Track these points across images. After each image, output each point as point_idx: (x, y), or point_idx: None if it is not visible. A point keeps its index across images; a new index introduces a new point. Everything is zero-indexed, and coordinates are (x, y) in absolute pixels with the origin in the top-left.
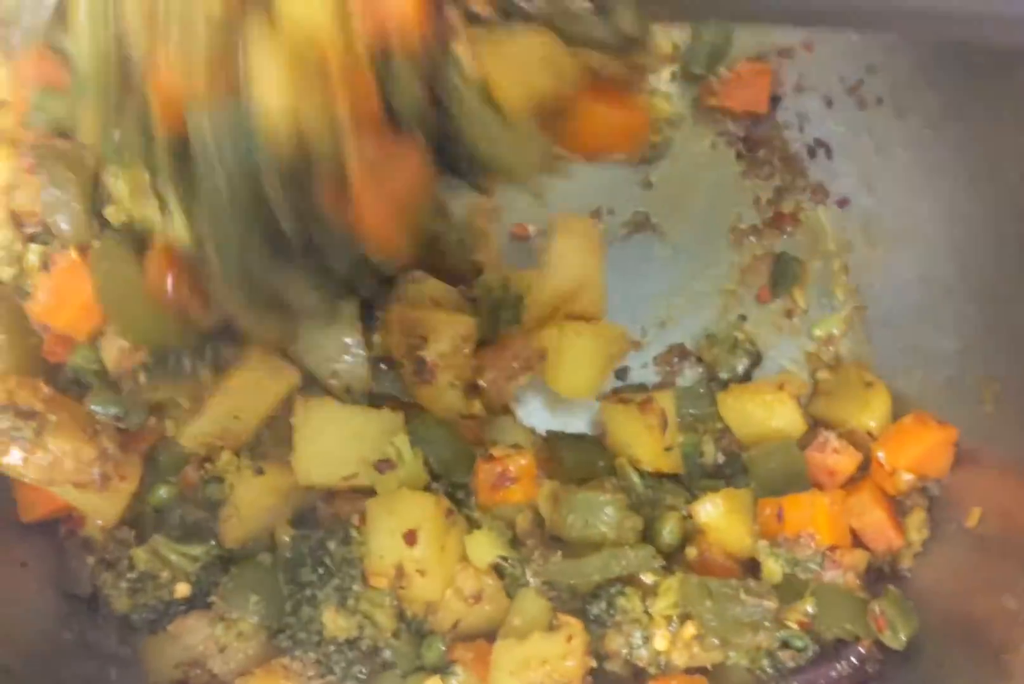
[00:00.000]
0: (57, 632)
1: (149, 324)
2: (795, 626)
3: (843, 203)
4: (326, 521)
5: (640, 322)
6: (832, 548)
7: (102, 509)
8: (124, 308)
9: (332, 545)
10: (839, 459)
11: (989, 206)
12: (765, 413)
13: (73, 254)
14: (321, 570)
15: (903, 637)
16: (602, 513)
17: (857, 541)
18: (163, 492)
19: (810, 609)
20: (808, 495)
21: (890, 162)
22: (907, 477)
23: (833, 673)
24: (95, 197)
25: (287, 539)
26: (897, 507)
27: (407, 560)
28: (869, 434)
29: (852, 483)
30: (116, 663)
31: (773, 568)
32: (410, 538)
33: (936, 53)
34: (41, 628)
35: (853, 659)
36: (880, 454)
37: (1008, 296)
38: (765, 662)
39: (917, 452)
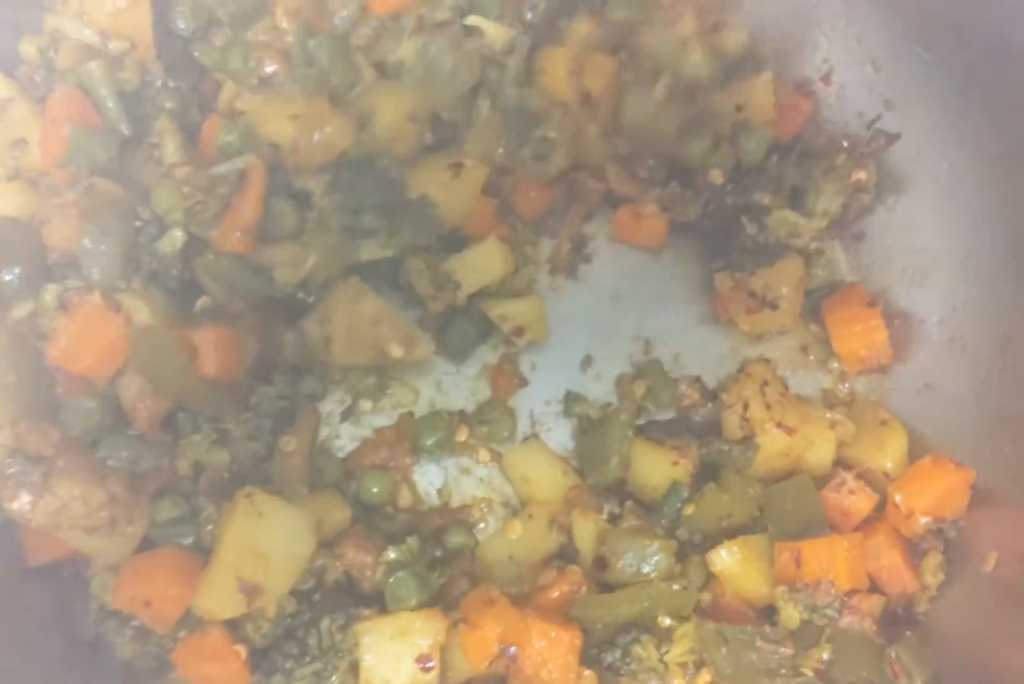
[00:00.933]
0: (61, 676)
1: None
2: (811, 673)
3: (859, 237)
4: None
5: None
6: (850, 593)
7: (109, 552)
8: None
9: (325, 625)
10: (855, 500)
11: (1007, 244)
12: (803, 445)
13: (98, 299)
14: (305, 649)
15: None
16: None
17: (872, 584)
18: None
19: (826, 656)
20: (827, 540)
21: (908, 198)
22: (924, 520)
23: None
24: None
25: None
26: (912, 550)
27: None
28: (886, 475)
29: (867, 524)
30: None
31: (791, 614)
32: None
33: (956, 88)
34: (45, 671)
35: None
36: (897, 497)
37: None
38: None
39: (935, 495)
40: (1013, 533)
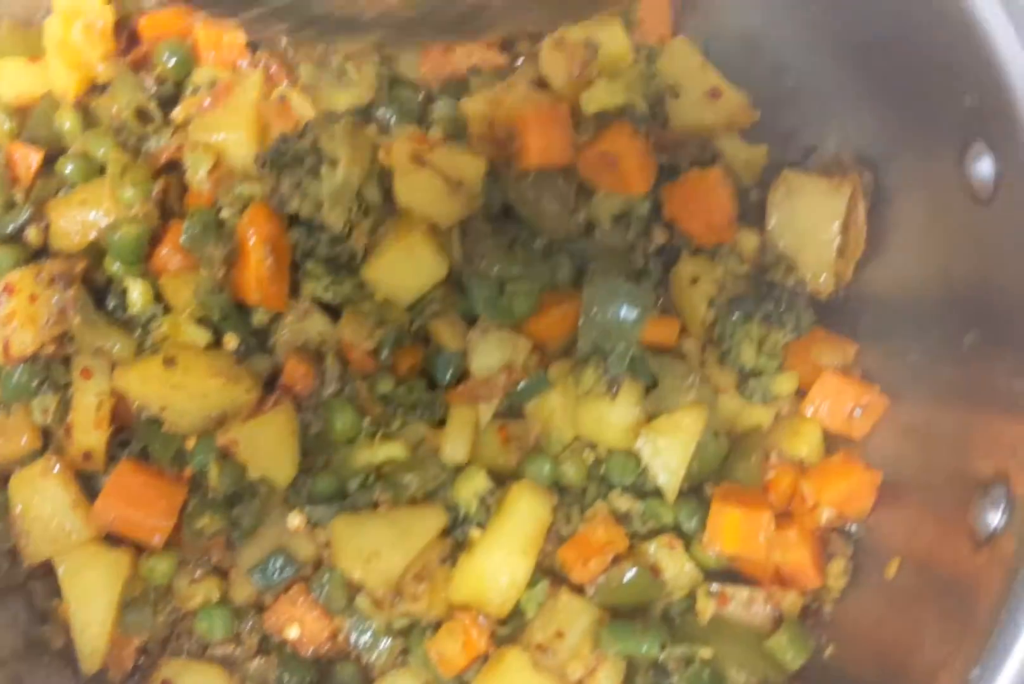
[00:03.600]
0: None
1: None
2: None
3: None
4: None
5: None
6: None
7: None
8: None
9: None
10: (776, 476)
11: None
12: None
13: None
14: None
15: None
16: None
17: (775, 577)
18: None
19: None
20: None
21: None
22: (828, 514)
23: None
24: None
25: None
26: (821, 552)
27: None
28: (801, 462)
29: (781, 518)
30: None
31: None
32: None
33: None
34: None
35: None
36: (806, 487)
37: None
38: None
39: (841, 491)
40: (915, 538)
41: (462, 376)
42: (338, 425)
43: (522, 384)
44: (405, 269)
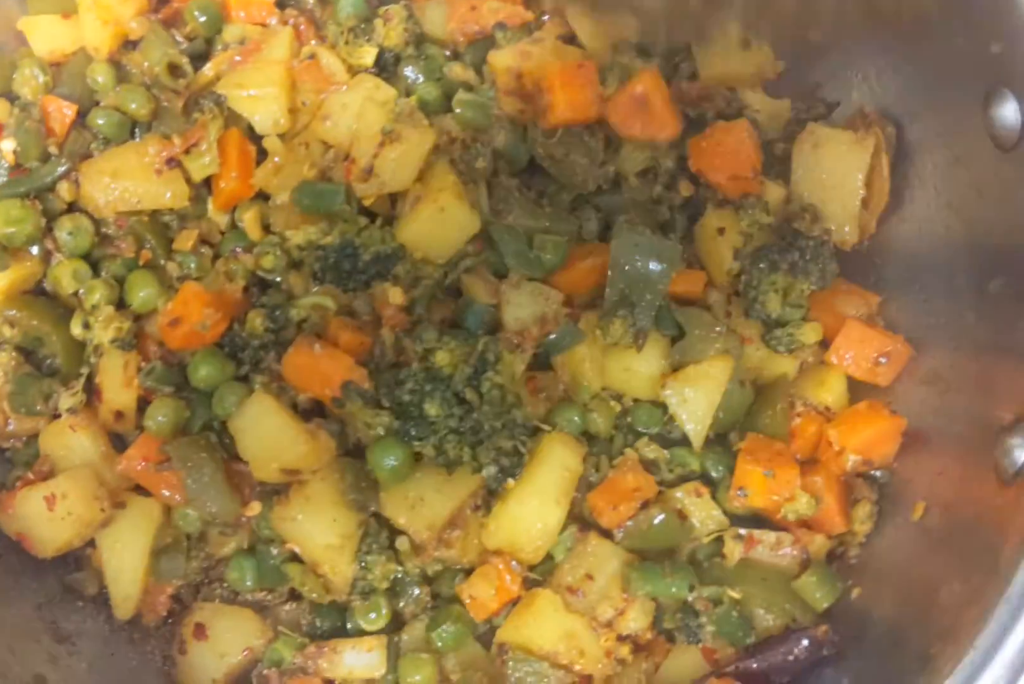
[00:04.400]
0: None
1: None
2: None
3: None
4: None
5: None
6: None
7: None
8: None
9: None
10: (802, 423)
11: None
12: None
13: None
14: None
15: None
16: None
17: (801, 523)
18: None
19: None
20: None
21: None
22: (853, 459)
23: (790, 657)
24: None
25: None
26: (847, 497)
27: None
28: (827, 409)
29: (807, 465)
30: None
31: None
32: None
33: None
34: None
35: (806, 642)
36: (832, 433)
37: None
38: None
39: (866, 436)
40: (941, 481)
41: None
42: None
43: (554, 335)
44: (440, 227)
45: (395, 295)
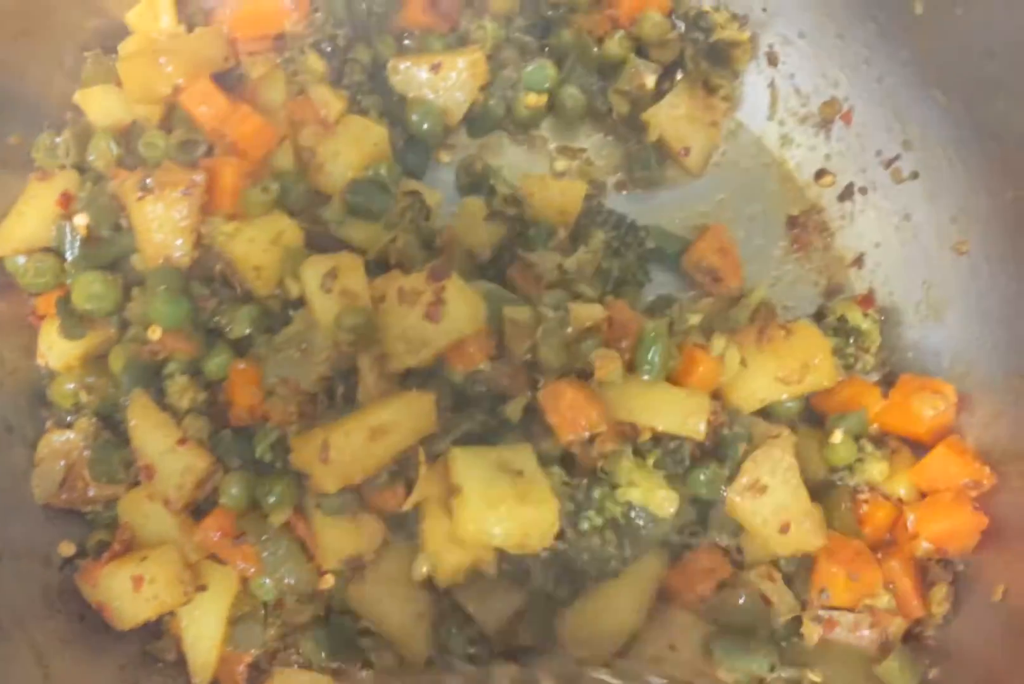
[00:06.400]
0: None
1: None
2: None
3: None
4: None
5: None
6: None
7: None
8: None
9: None
10: (871, 509)
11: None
12: None
13: None
14: None
15: None
16: None
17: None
18: None
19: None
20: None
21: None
22: (926, 545)
23: None
24: None
25: None
26: (923, 579)
27: None
28: (900, 500)
29: (884, 548)
30: None
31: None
32: None
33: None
34: None
35: None
36: (911, 516)
37: None
38: None
39: (944, 527)
40: (1020, 568)
41: None
42: None
43: None
44: None
45: None
